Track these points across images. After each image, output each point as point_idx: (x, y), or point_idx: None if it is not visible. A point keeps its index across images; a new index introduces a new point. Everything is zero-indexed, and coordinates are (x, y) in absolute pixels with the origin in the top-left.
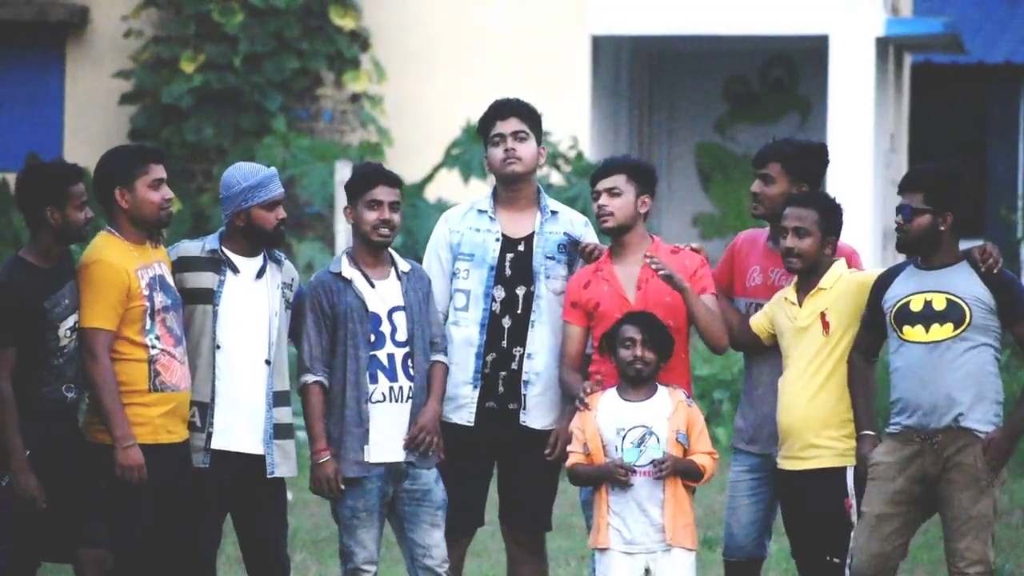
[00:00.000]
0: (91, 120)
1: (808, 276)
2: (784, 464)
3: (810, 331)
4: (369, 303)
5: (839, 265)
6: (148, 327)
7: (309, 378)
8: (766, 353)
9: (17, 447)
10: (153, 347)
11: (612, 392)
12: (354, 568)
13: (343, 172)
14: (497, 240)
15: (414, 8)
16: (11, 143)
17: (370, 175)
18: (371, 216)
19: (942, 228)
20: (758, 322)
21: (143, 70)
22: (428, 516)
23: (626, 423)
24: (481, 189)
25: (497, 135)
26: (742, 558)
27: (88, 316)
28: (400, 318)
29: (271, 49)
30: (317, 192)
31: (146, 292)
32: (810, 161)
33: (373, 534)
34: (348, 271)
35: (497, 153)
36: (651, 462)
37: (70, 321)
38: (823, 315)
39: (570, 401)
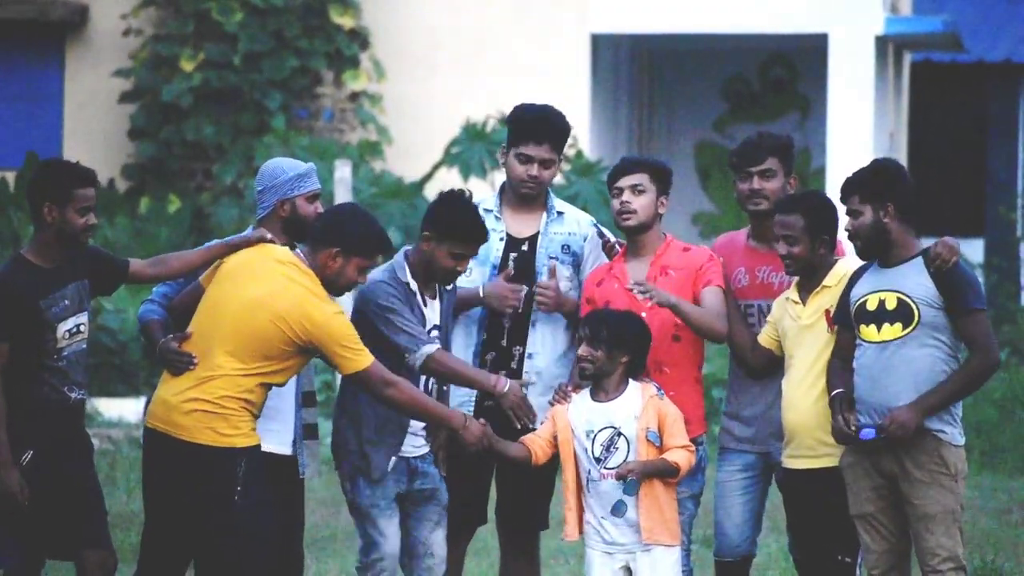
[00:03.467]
0: (91, 119)
1: (810, 276)
2: (791, 463)
3: (815, 328)
4: (427, 318)
5: (843, 263)
6: None
7: (430, 348)
8: None
9: (3, 443)
10: None
11: (585, 393)
12: (377, 559)
13: (343, 171)
14: (501, 239)
15: (414, 7)
16: (10, 142)
17: (473, 237)
18: (448, 263)
19: (886, 220)
20: (767, 335)
21: (142, 69)
22: (435, 515)
23: (595, 425)
24: (480, 188)
25: (525, 155)
26: (736, 557)
27: (365, 355)
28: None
29: (270, 48)
30: None
31: None
32: (793, 153)
33: (394, 524)
34: (413, 284)
35: (519, 171)
36: (617, 467)
37: (70, 323)
38: (827, 312)
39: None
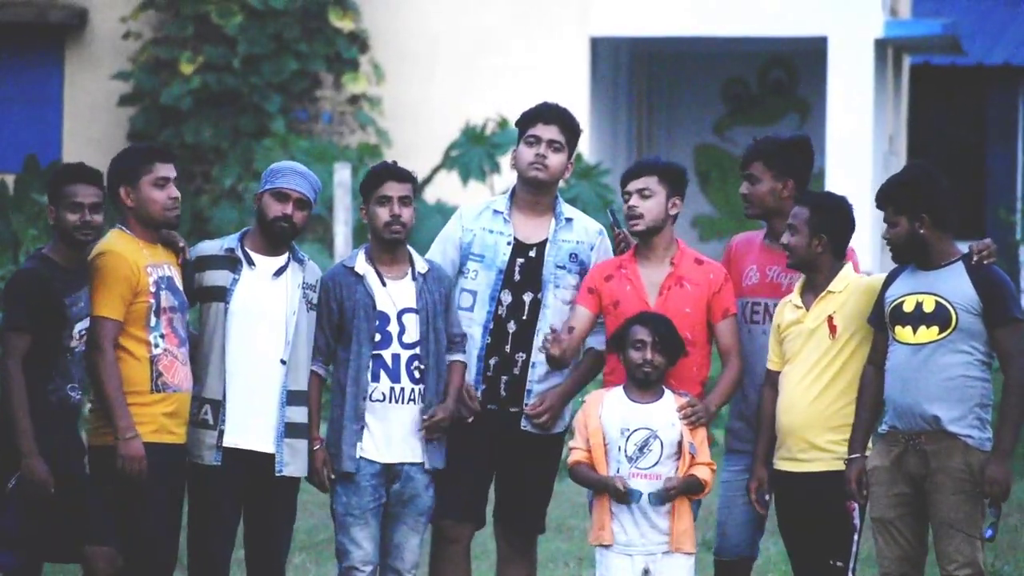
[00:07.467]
0: (90, 122)
1: (813, 278)
2: (783, 465)
3: (817, 334)
4: (378, 301)
5: (848, 269)
6: (153, 324)
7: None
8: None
9: (27, 431)
10: (156, 346)
11: (619, 391)
12: (349, 567)
13: (342, 174)
14: (509, 244)
15: (413, 9)
16: (10, 145)
17: (379, 172)
18: (381, 212)
19: (922, 231)
20: (775, 359)
21: (142, 72)
22: (411, 520)
23: (631, 424)
24: (480, 191)
25: (533, 136)
26: (735, 557)
27: (96, 305)
28: (411, 320)
29: (270, 51)
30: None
31: (153, 289)
32: (790, 155)
33: (367, 532)
34: (362, 266)
35: (527, 154)
36: (652, 493)
37: (81, 325)
38: (830, 318)
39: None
